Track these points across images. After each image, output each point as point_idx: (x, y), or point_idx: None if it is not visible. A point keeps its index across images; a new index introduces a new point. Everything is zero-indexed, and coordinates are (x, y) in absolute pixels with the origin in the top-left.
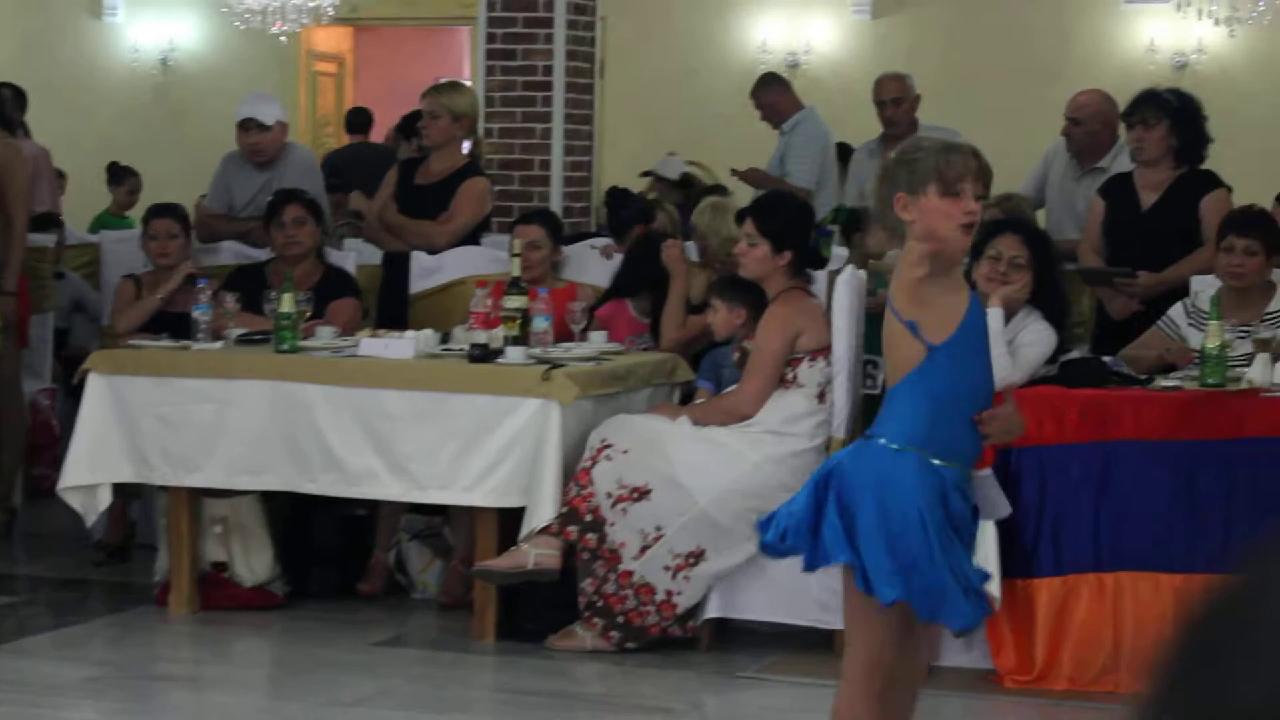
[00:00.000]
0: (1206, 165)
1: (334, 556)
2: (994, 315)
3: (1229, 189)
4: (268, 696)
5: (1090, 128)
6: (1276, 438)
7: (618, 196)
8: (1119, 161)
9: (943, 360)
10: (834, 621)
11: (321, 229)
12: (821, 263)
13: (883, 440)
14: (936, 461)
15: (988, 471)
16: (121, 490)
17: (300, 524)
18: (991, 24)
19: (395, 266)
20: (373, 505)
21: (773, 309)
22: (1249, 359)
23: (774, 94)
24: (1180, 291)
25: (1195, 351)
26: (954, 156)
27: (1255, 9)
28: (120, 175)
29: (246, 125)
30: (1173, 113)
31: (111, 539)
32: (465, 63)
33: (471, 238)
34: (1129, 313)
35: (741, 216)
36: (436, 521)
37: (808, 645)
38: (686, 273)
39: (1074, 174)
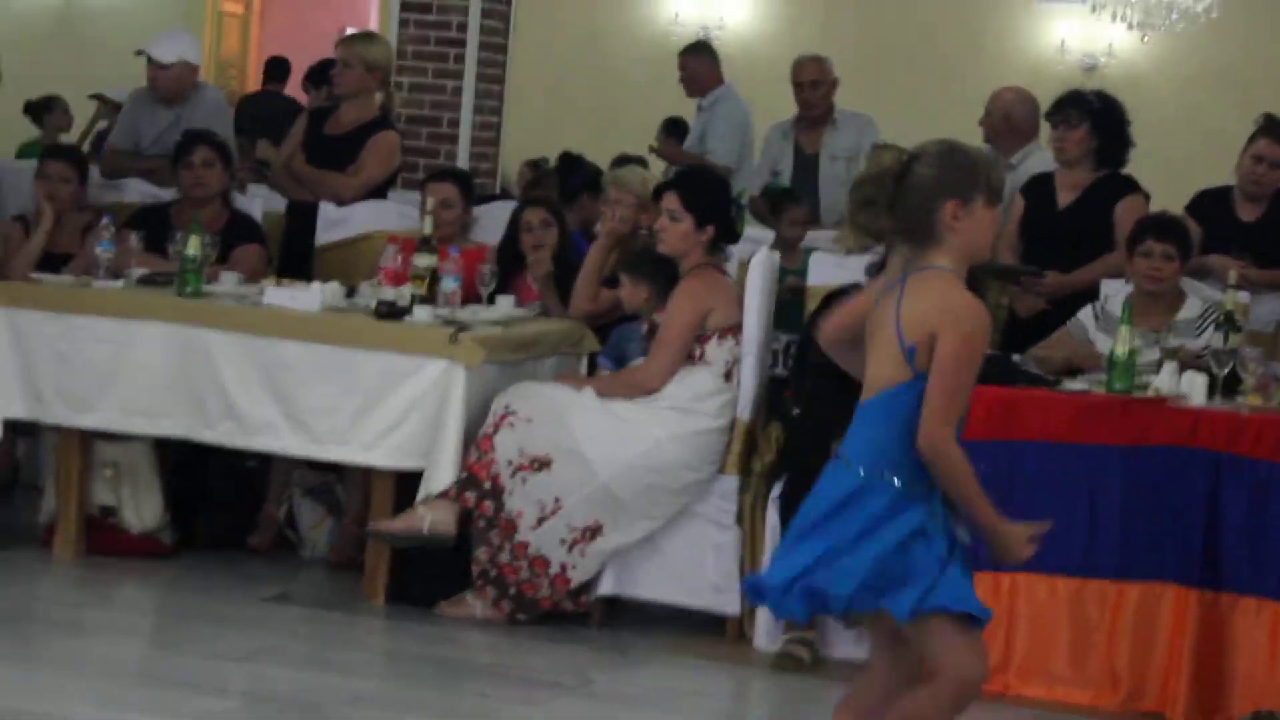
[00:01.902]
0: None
1: (224, 507)
2: None
3: (1147, 195)
4: (151, 646)
5: (992, 121)
6: (1179, 446)
7: (570, 162)
8: (1031, 161)
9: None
10: (727, 606)
11: (229, 173)
12: (737, 239)
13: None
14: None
15: None
16: (10, 428)
17: (192, 472)
18: (905, 12)
19: (300, 217)
20: (266, 458)
21: (685, 284)
22: (1156, 366)
23: (702, 63)
24: (1089, 294)
25: (1103, 356)
26: (996, 167)
27: (1168, 17)
28: (49, 105)
29: (149, 62)
30: (1095, 114)
31: None
32: (373, 14)
33: (378, 192)
34: (1035, 311)
35: (660, 191)
36: (330, 478)
37: (700, 626)
38: (601, 246)
39: None
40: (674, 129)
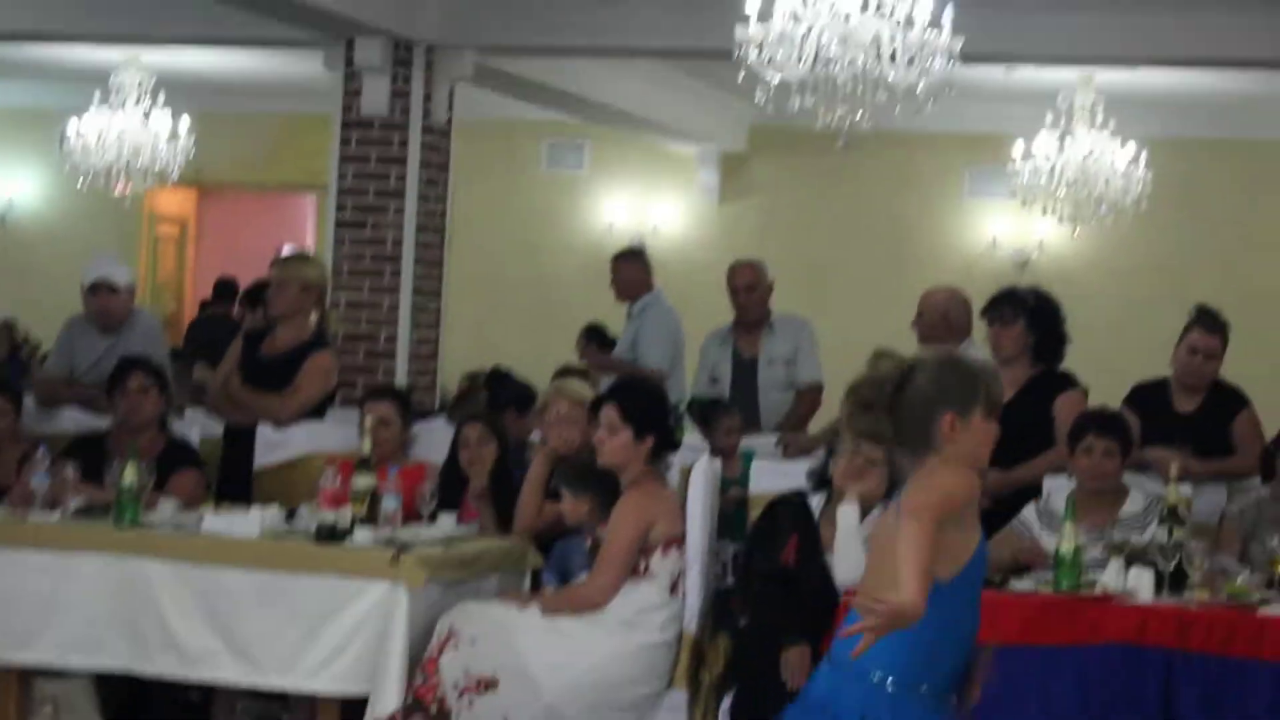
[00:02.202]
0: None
1: None
2: (847, 512)
3: (1085, 390)
4: None
5: (927, 320)
6: (1129, 644)
7: (498, 378)
8: None
9: (944, 599)
10: None
11: (165, 398)
12: (676, 447)
13: (878, 675)
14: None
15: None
16: None
17: (133, 706)
18: (837, 214)
19: (238, 440)
20: (209, 688)
21: (626, 498)
22: (1102, 563)
23: (636, 269)
24: (1031, 491)
25: (1048, 554)
26: (995, 380)
27: (1098, 210)
28: None
29: (97, 288)
30: (1030, 311)
31: None
32: (309, 230)
33: (316, 412)
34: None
35: (598, 404)
36: (275, 707)
37: None
38: (544, 460)
39: None
40: (594, 336)
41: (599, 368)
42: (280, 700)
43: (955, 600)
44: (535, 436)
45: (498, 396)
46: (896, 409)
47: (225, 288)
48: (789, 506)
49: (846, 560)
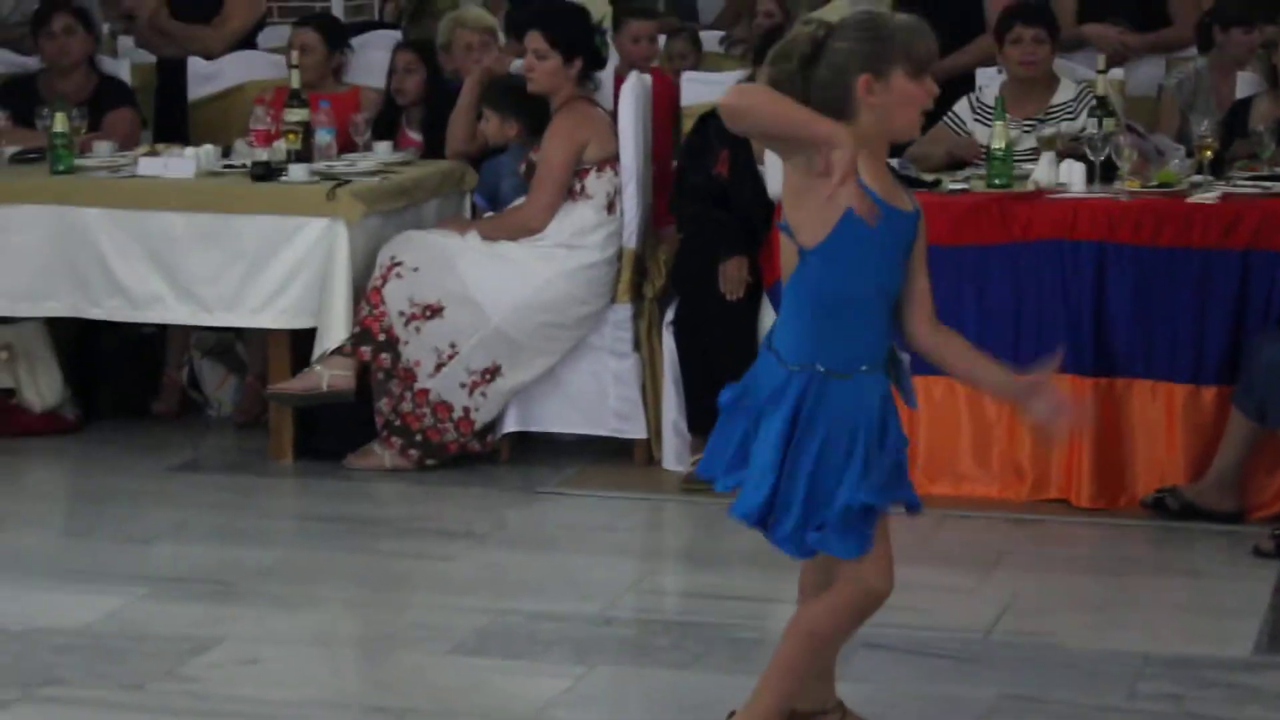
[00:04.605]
0: None
1: (124, 376)
2: None
3: None
4: (62, 535)
5: None
6: (1061, 239)
7: None
8: None
9: (816, 264)
10: (631, 431)
11: (94, 36)
12: (602, 64)
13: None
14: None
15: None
16: None
17: (87, 345)
18: None
19: (171, 73)
20: (161, 324)
21: (558, 120)
22: (1034, 155)
23: None
24: (962, 84)
25: (983, 147)
26: (920, 35)
27: None
28: None
29: None
30: None
31: None
32: None
33: (247, 41)
34: None
35: (521, 29)
36: (228, 337)
37: (607, 454)
38: (473, 84)
39: None
40: None
41: None
42: (234, 330)
43: (831, 264)
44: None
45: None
46: (810, 79)
47: None
48: (720, 120)
49: (778, 172)
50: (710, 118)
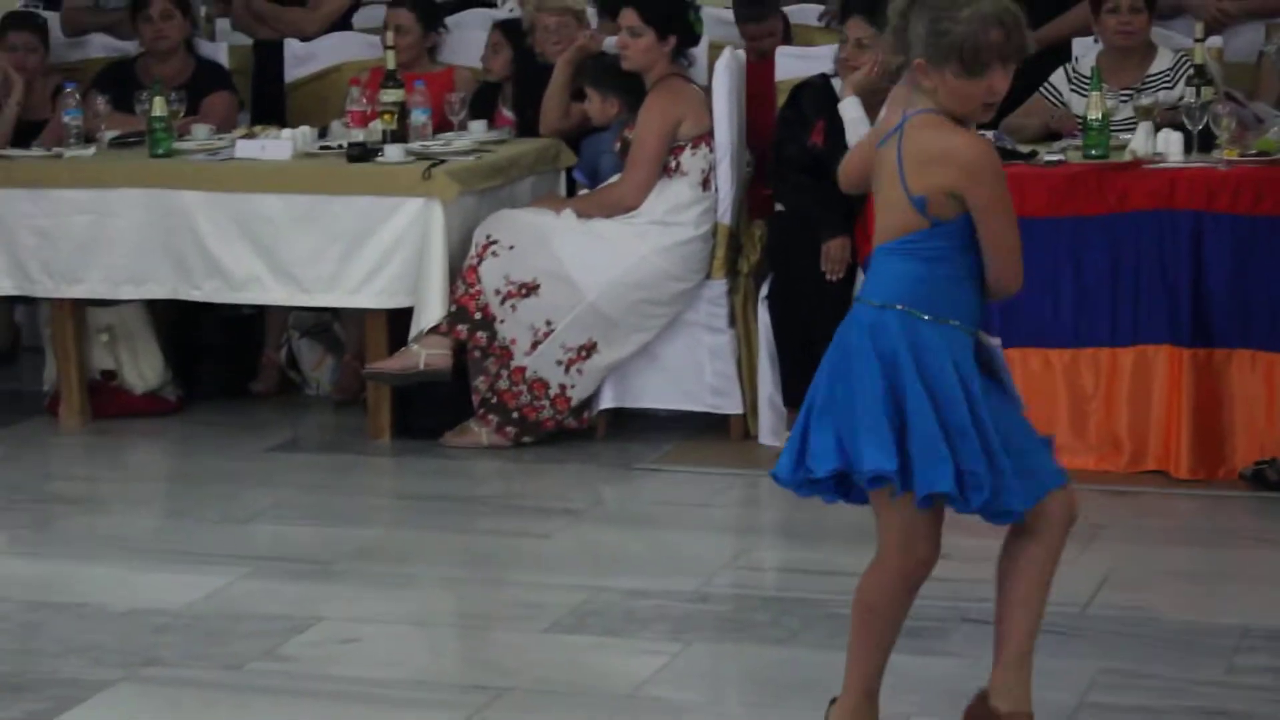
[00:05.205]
0: None
1: (224, 357)
2: (848, 106)
3: None
4: (163, 515)
5: None
6: (1159, 210)
7: None
8: None
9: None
10: (727, 406)
11: (190, 20)
12: (696, 40)
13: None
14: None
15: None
16: (4, 296)
17: (187, 326)
18: None
19: (267, 56)
20: (260, 304)
21: (652, 98)
22: (1132, 124)
23: None
24: (1059, 54)
25: (1079, 118)
26: (984, 35)
27: None
28: None
29: None
30: None
31: None
32: None
33: (342, 22)
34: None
35: (615, 7)
36: (326, 317)
37: (703, 430)
38: (567, 61)
39: None
40: None
41: None
42: (331, 310)
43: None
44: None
45: None
46: (897, 38)
47: None
48: (813, 90)
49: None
50: (803, 89)
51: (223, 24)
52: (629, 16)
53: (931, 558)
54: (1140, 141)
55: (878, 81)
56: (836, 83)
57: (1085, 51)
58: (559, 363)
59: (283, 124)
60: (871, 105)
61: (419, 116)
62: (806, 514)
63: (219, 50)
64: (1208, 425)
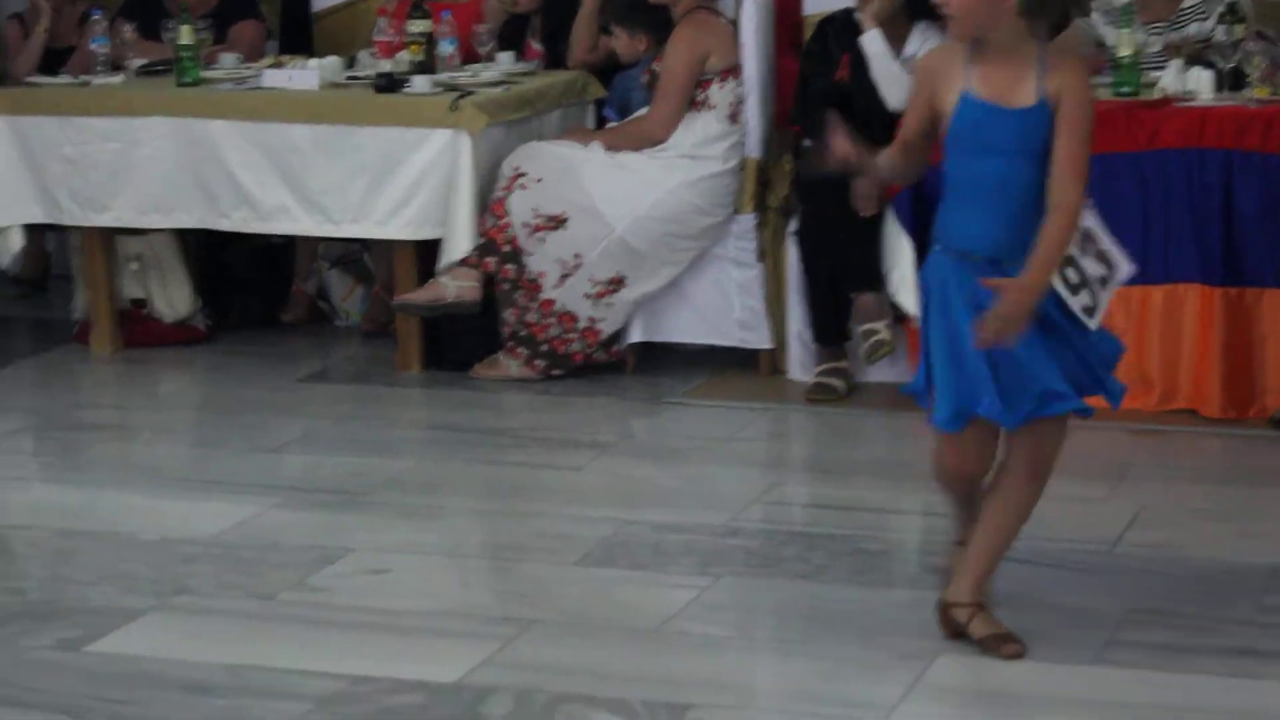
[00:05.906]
0: None
1: (254, 286)
2: (870, 39)
3: None
4: (194, 444)
5: None
6: (1189, 148)
7: None
8: None
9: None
10: (755, 341)
11: None
12: None
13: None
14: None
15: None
16: (34, 224)
17: (217, 256)
18: None
19: None
20: (289, 235)
21: (679, 31)
22: (1163, 61)
23: None
24: None
25: (1110, 49)
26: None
27: None
28: None
29: None
30: None
31: (28, 273)
32: None
33: None
34: None
35: None
36: (356, 248)
37: (732, 364)
38: None
39: None
40: None
41: None
42: (360, 241)
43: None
44: None
45: None
46: None
47: None
48: (837, 24)
49: (891, 85)
50: (829, 23)
51: None
52: None
53: (959, 470)
54: (1170, 79)
55: (893, 10)
56: (859, 17)
57: None
58: (587, 295)
59: (310, 54)
60: (892, 38)
61: (446, 47)
62: (835, 449)
63: None
64: (1238, 364)
